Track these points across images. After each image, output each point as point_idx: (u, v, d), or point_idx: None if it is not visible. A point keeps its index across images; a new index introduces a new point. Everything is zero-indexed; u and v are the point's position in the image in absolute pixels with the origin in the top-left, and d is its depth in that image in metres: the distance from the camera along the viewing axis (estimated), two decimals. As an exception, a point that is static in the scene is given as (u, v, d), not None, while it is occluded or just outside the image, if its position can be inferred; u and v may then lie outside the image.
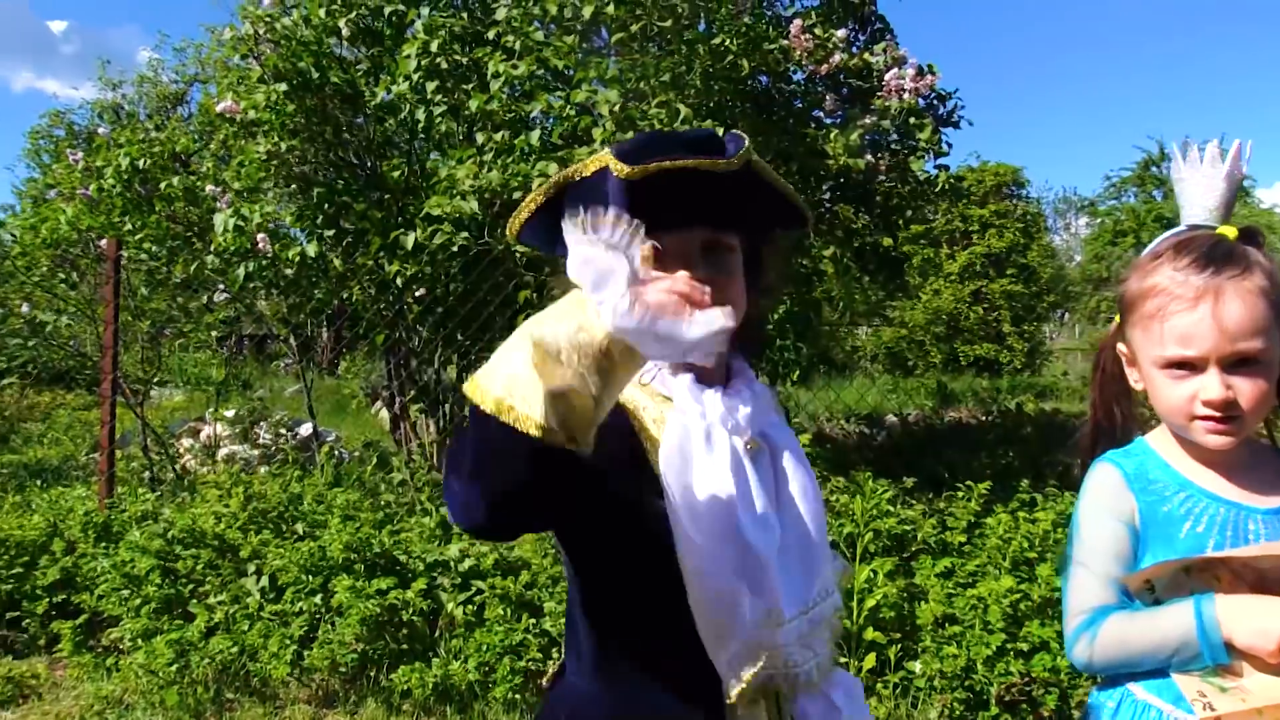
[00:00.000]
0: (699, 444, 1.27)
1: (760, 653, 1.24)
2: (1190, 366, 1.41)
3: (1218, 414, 1.40)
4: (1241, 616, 1.35)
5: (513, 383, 0.99)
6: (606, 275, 0.97)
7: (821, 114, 5.83)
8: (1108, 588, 1.49)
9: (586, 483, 1.12)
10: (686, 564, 1.23)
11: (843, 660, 3.69)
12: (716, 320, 0.97)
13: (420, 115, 5.51)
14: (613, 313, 0.96)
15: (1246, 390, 1.39)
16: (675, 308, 0.97)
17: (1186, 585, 1.42)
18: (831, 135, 5.16)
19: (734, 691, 1.25)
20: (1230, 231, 1.45)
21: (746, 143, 1.21)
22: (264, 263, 5.92)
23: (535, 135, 4.91)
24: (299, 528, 4.78)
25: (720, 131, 1.23)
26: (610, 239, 0.98)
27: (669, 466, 1.25)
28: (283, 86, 5.70)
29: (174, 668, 4.06)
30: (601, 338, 0.96)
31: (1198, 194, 1.51)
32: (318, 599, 4.19)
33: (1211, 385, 1.39)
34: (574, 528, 1.29)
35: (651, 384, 1.34)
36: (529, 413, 0.97)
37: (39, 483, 7.20)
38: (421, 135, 6.05)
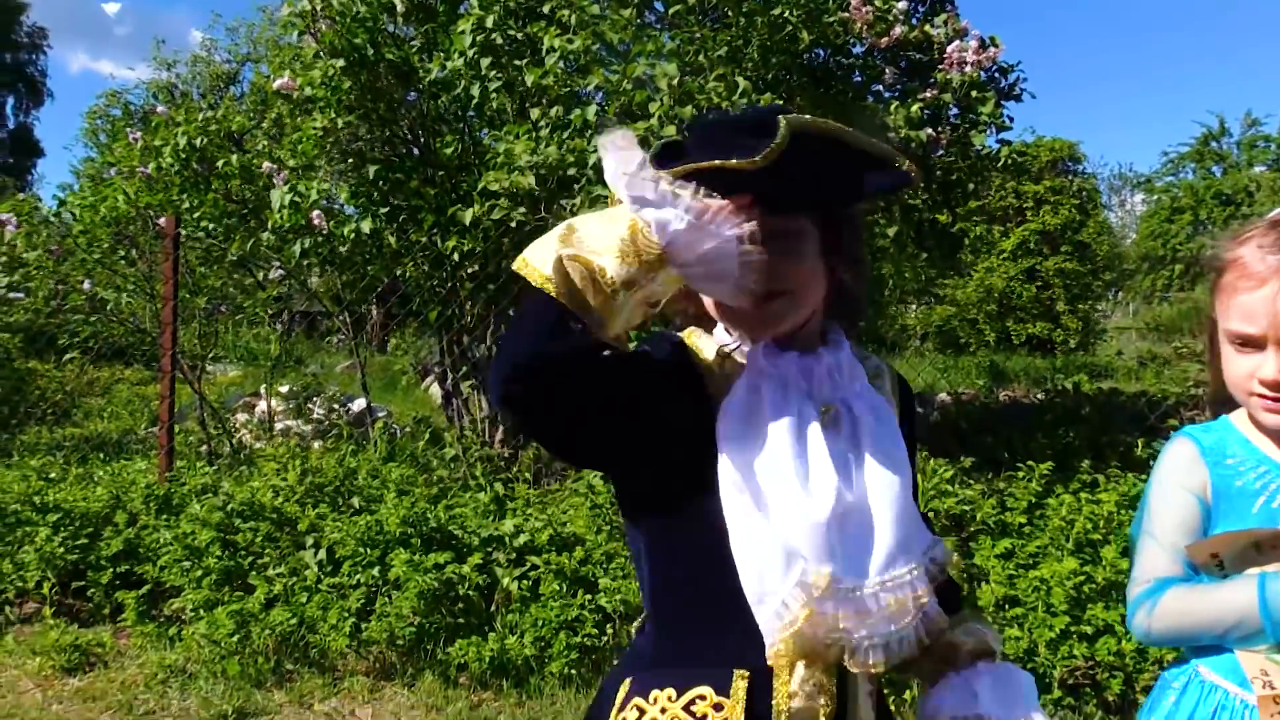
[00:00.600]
0: (762, 402, 1.29)
1: (798, 615, 1.23)
2: (1253, 343, 1.40)
3: (1272, 394, 1.39)
4: None
5: (538, 248, 1.16)
6: (634, 167, 1.14)
7: (881, 88, 5.74)
8: (1173, 559, 1.49)
9: (632, 408, 1.25)
10: (730, 518, 1.26)
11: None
12: (734, 239, 1.15)
13: (475, 91, 5.50)
14: (642, 199, 1.13)
15: None
16: (712, 212, 1.15)
17: (1255, 561, 1.40)
18: (892, 107, 5.08)
19: (770, 650, 1.25)
20: None
21: (779, 138, 1.17)
22: (319, 239, 5.97)
23: (591, 110, 4.88)
24: (355, 502, 4.83)
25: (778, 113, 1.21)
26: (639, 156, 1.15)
27: (725, 420, 1.28)
28: (339, 62, 5.73)
29: (235, 638, 4.13)
30: (627, 225, 1.14)
31: None
32: (375, 572, 4.23)
33: (1269, 365, 1.38)
34: (617, 454, 1.32)
35: (732, 354, 1.36)
36: (540, 268, 1.13)
37: (101, 456, 7.34)
38: (475, 112, 6.04)
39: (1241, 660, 1.40)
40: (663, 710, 1.26)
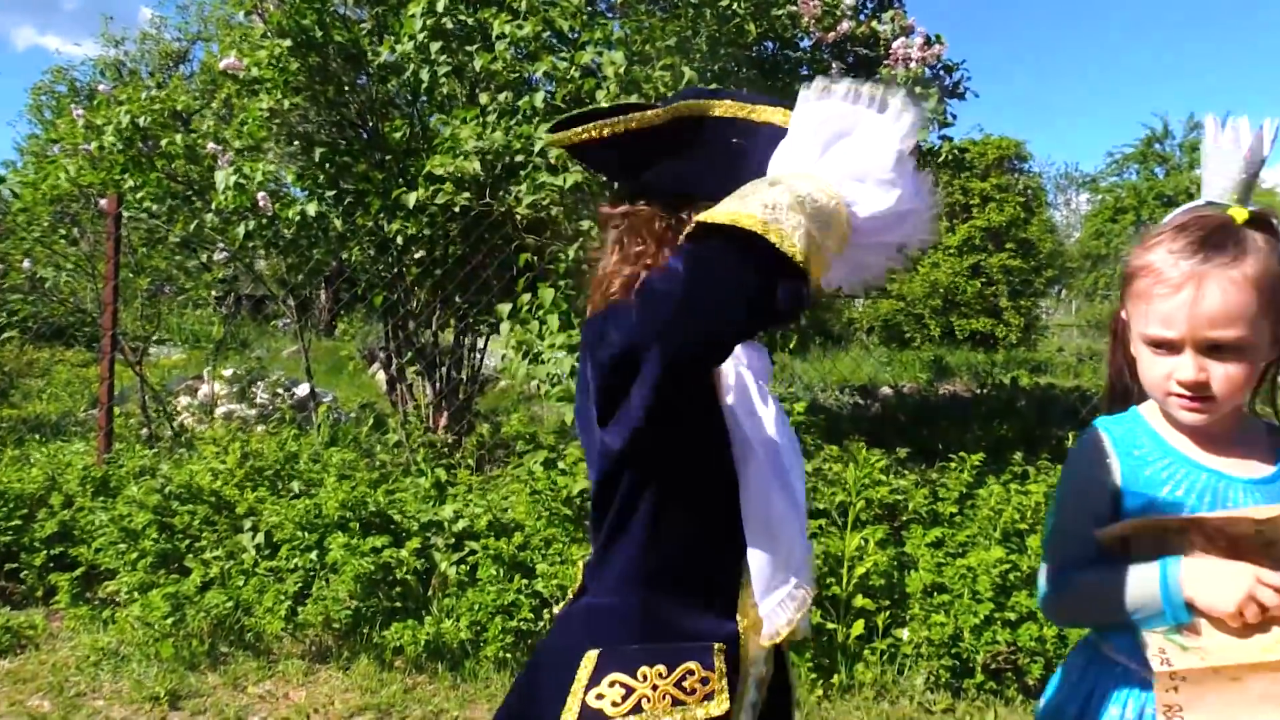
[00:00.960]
0: (755, 393, 1.37)
1: (808, 593, 1.37)
2: (1170, 346, 1.45)
3: (1189, 394, 1.44)
4: (1204, 579, 1.40)
5: (775, 211, 1.06)
6: (843, 133, 1.11)
7: (827, 82, 5.80)
8: (1083, 545, 1.53)
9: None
10: (757, 506, 1.33)
11: (831, 626, 3.73)
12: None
13: (424, 76, 5.48)
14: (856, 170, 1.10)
15: (1220, 374, 1.42)
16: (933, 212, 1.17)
17: (1159, 547, 1.45)
18: (835, 102, 5.14)
19: (785, 631, 1.36)
20: (1240, 214, 1.45)
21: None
22: (264, 221, 5.92)
23: (539, 97, 4.89)
24: (295, 485, 4.81)
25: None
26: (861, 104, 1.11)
27: (738, 409, 1.34)
28: (287, 42, 5.67)
29: (169, 621, 4.10)
30: (838, 205, 1.09)
31: (1218, 171, 1.51)
32: (313, 556, 4.22)
33: (1185, 367, 1.43)
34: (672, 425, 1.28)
35: None
36: (796, 240, 1.04)
37: (38, 437, 7.21)
38: (424, 96, 6.02)
39: (1143, 640, 1.45)
40: (654, 688, 1.27)
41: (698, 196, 1.31)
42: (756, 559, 1.34)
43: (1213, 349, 1.42)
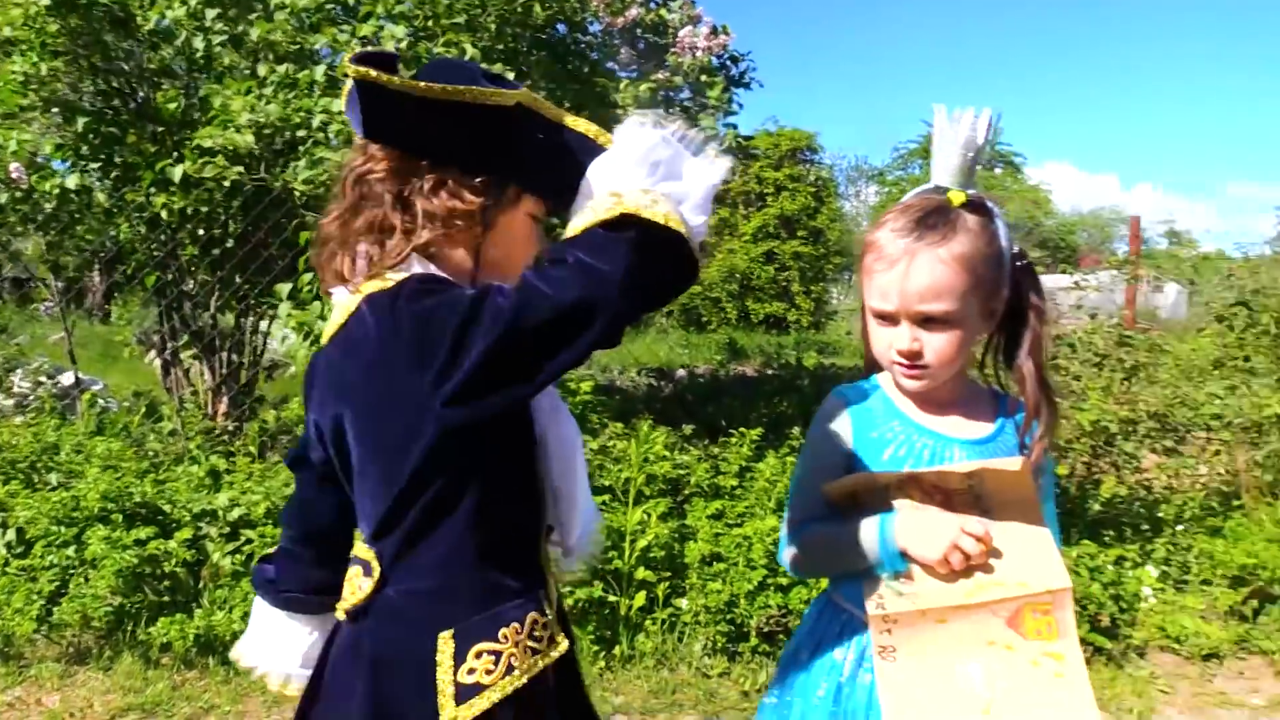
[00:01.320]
0: None
1: (600, 539, 1.56)
2: (888, 318, 1.56)
3: (906, 362, 1.56)
4: (915, 530, 1.51)
5: (685, 225, 1.25)
6: (666, 161, 1.27)
7: (616, 67, 5.87)
8: (818, 501, 1.64)
9: None
10: (568, 452, 1.47)
11: (613, 599, 3.80)
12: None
13: (198, 44, 5.19)
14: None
15: (932, 344, 1.54)
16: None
17: (884, 500, 1.56)
18: (622, 86, 5.21)
19: (578, 573, 1.61)
20: (958, 197, 1.56)
21: None
22: (18, 195, 5.48)
23: (320, 70, 4.72)
24: (53, 478, 4.49)
25: None
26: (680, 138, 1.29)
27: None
28: (44, 1, 5.25)
29: (-98, 628, 3.76)
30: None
31: (943, 157, 1.62)
32: (70, 551, 3.96)
33: (901, 337, 1.55)
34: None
35: None
36: (695, 244, 1.27)
37: None
38: (201, 67, 5.71)
39: (865, 587, 1.55)
40: (516, 644, 1.35)
41: (512, 181, 1.43)
42: (568, 501, 1.48)
43: (925, 321, 1.53)
